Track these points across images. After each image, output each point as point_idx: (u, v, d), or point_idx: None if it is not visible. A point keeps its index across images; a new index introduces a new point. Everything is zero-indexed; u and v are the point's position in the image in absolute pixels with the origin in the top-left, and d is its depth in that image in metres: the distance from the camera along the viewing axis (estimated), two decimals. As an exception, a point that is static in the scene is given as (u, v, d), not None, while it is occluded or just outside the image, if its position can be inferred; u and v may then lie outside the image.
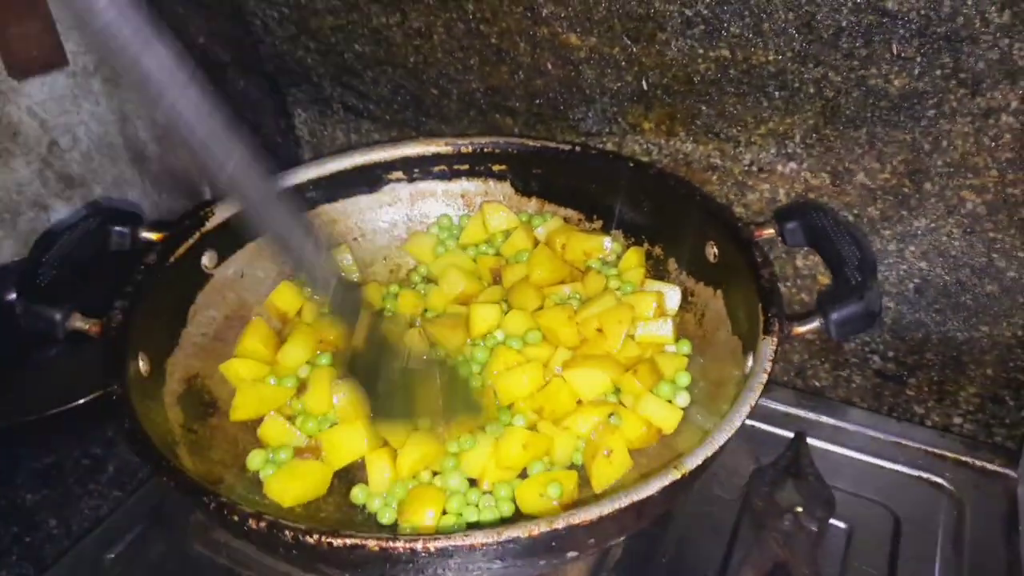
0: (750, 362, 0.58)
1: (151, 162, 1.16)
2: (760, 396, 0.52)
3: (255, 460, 0.64)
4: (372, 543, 0.42)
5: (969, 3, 0.62)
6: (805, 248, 0.70)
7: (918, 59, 0.66)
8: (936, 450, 0.74)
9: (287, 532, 0.43)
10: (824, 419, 0.78)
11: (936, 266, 0.75)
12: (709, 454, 0.48)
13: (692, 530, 0.68)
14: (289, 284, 0.76)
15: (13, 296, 0.67)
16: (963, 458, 0.73)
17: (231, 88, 1.08)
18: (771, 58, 0.72)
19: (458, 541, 0.42)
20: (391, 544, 0.42)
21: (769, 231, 0.67)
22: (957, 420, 0.81)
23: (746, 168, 0.80)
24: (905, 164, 0.72)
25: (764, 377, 0.53)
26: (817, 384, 0.88)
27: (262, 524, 0.44)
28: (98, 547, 0.68)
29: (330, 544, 0.42)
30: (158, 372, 0.63)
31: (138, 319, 0.62)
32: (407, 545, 0.42)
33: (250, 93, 1.09)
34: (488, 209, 0.84)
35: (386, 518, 0.61)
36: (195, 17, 1.04)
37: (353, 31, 0.93)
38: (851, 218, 0.77)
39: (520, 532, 0.43)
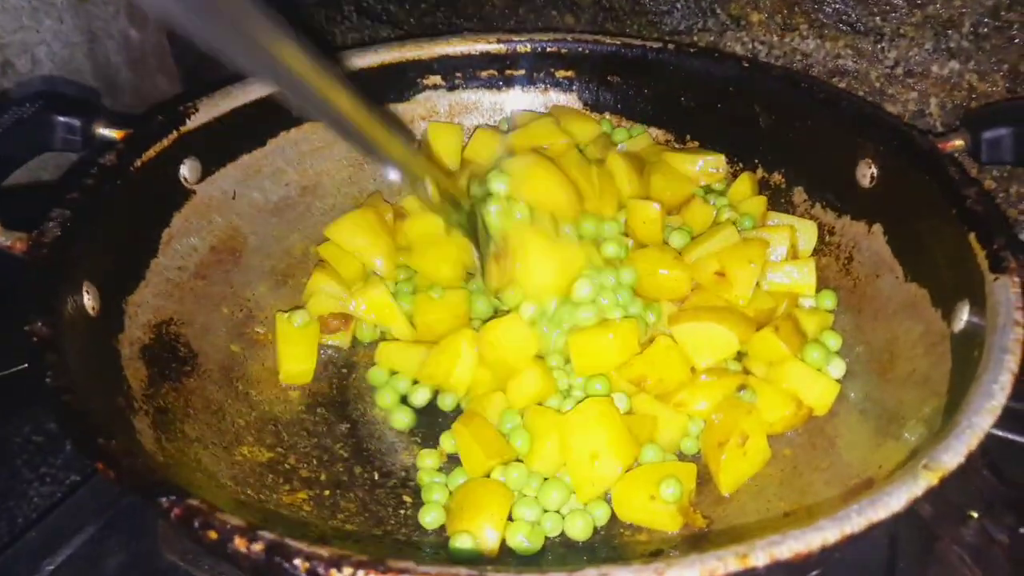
0: (965, 315, 0.40)
1: (124, 91, 1.01)
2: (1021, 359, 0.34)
3: None
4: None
5: None
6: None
7: None
8: None
9: (297, 560, 0.25)
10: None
11: None
12: (972, 445, 0.30)
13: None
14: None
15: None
16: None
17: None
18: (946, -85, 0.54)
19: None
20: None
21: (957, 143, 0.49)
22: None
23: (888, 71, 0.62)
24: (1123, 59, 0.54)
25: (1019, 331, 0.35)
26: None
27: (255, 548, 0.26)
28: (36, 552, 0.51)
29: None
30: (114, 313, 0.45)
31: (86, 238, 0.44)
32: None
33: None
34: (559, 113, 0.65)
35: (430, 519, 0.44)
36: None
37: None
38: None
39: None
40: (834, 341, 0.50)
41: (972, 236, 0.42)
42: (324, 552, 0.26)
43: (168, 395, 0.46)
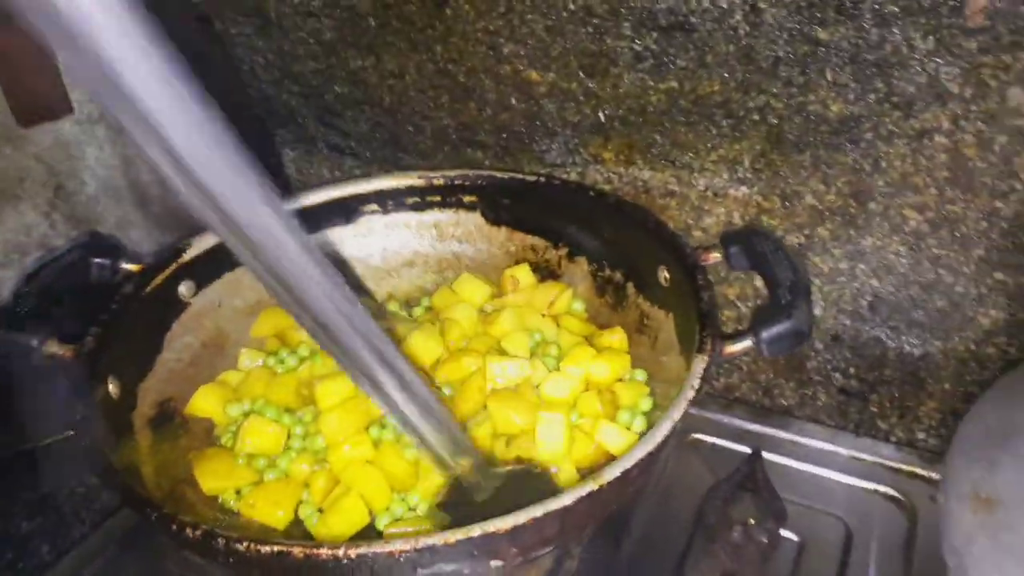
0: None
1: (154, 203, 1.22)
2: (685, 412, 0.53)
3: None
4: (297, 550, 0.45)
5: (895, 31, 0.65)
6: (751, 271, 0.71)
7: (852, 85, 0.69)
8: (893, 463, 0.75)
9: (219, 540, 0.46)
10: (782, 435, 0.79)
11: (887, 283, 0.77)
12: (628, 466, 0.50)
13: (646, 545, 0.69)
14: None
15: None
16: (919, 471, 0.74)
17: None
18: (716, 88, 0.75)
19: (378, 548, 0.45)
20: (314, 552, 0.45)
21: (716, 255, 0.69)
22: (920, 435, 0.82)
23: (702, 193, 0.83)
24: (849, 185, 0.74)
25: (690, 394, 0.54)
26: (784, 403, 0.89)
27: (197, 533, 0.47)
28: (77, 565, 0.72)
29: (258, 551, 0.45)
30: (129, 396, 0.67)
31: (112, 345, 0.66)
32: (330, 552, 0.45)
33: (242, 135, 1.14)
34: (459, 283, 0.86)
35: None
36: (188, 64, 1.10)
37: (332, 74, 0.98)
38: (802, 239, 0.79)
39: (436, 540, 0.45)
40: (645, 402, 0.70)
41: (698, 327, 0.62)
42: (232, 535, 0.46)
43: (166, 452, 0.67)
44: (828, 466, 0.76)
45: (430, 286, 0.90)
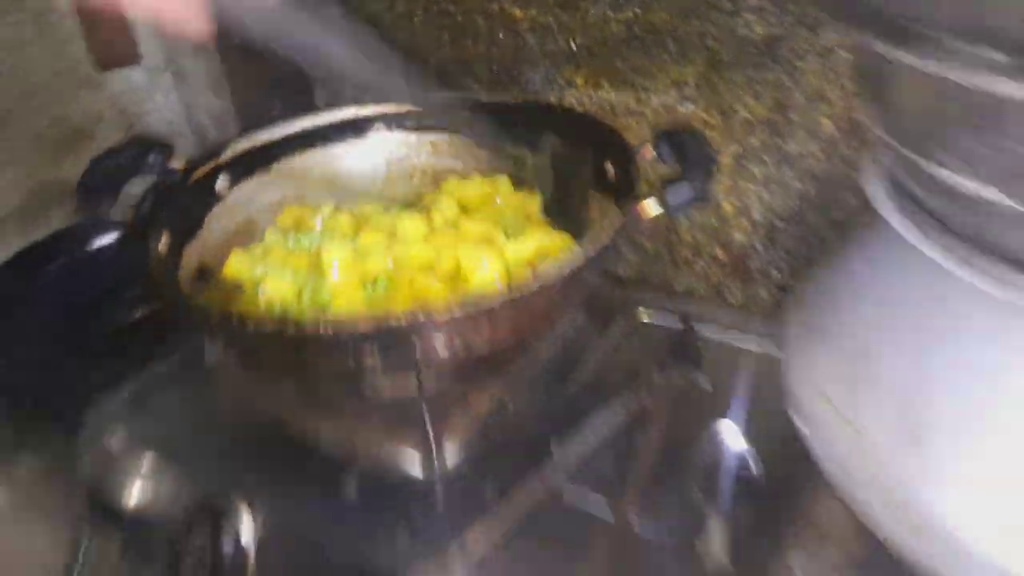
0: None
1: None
2: (599, 249, 0.67)
3: None
4: (290, 327, 0.61)
5: (802, -40, 0.78)
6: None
7: (771, 8, 0.82)
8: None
9: (234, 320, 0.62)
10: (719, 313, 0.93)
11: (810, 187, 0.90)
12: (545, 281, 0.64)
13: (583, 394, 0.84)
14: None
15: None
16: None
17: (266, 68, 1.31)
18: (665, 17, 0.89)
19: (346, 328, 0.61)
20: (301, 328, 0.61)
21: (650, 150, 0.83)
22: (843, 325, 0.94)
23: (655, 110, 0.96)
24: (774, 99, 0.87)
25: (602, 235, 0.69)
26: (733, 302, 1.02)
27: (234, 320, 0.63)
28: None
29: (263, 328, 0.61)
30: (175, 254, 0.84)
31: (163, 215, 0.83)
32: (313, 328, 0.61)
33: (280, 71, 1.32)
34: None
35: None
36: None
37: (353, 16, 1.14)
38: (740, 149, 0.92)
39: (393, 321, 0.61)
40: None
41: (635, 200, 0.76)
42: (252, 319, 0.62)
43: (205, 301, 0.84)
44: (751, 337, 0.89)
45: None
